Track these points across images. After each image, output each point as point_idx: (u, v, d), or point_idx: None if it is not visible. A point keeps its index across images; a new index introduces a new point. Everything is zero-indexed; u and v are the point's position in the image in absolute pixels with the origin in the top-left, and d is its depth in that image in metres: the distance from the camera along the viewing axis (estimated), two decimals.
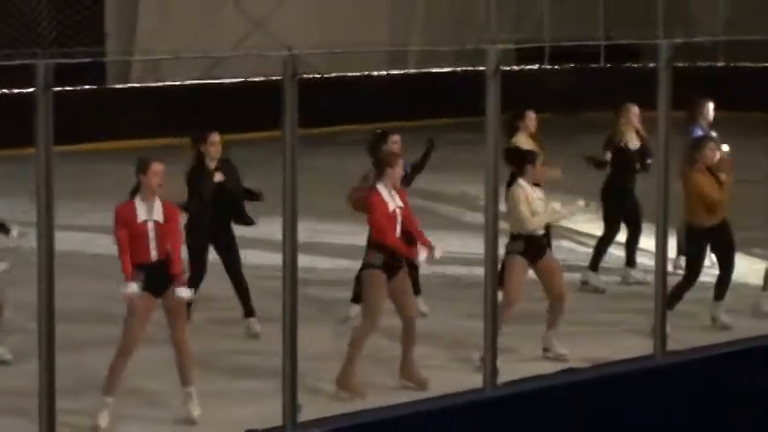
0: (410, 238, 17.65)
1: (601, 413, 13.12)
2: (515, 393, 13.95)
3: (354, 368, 16.68)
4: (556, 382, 14.35)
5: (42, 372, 10.64)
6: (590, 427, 13.13)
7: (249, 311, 19.68)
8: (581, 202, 18.88)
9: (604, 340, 18.83)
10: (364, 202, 17.45)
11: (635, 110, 22.66)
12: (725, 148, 20.50)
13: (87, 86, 36.09)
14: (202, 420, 15.75)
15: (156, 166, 16.17)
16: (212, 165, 19.75)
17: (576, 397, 13.48)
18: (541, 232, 18.31)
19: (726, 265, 19.28)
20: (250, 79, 34.45)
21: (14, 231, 17.87)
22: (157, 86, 39.19)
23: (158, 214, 16.00)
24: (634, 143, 22.50)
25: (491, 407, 13.40)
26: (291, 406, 11.59)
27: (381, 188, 16.80)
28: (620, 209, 22.69)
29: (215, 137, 19.71)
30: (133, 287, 15.73)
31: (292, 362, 11.19)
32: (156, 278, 16.06)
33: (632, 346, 17.03)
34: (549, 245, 19.46)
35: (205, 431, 15.59)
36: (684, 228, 20.13)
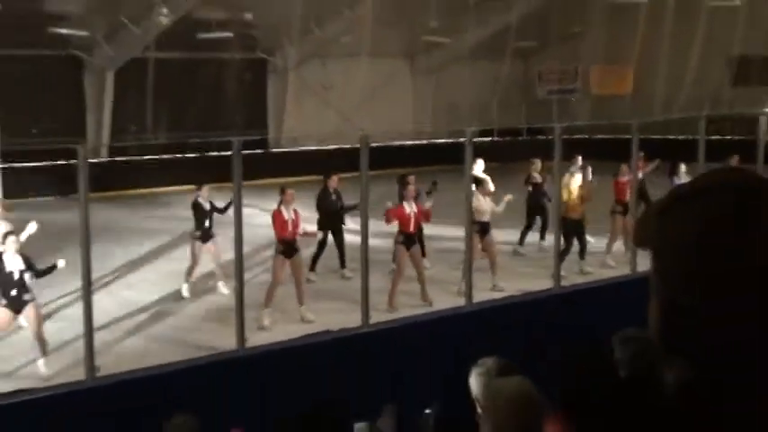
0: (421, 229, 21.14)
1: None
2: (488, 308, 17.04)
3: (394, 295, 19.81)
4: (498, 303, 17.25)
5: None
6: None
7: (344, 264, 22.42)
8: (508, 197, 21.76)
9: (521, 281, 20.80)
10: (395, 211, 20.15)
11: (537, 163, 25.58)
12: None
13: (252, 151, 34.50)
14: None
15: (289, 192, 19.20)
16: (332, 189, 22.68)
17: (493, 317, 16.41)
18: (486, 220, 21.02)
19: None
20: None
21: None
22: (295, 151, 40.50)
23: (293, 214, 19.16)
24: (537, 179, 25.40)
25: (471, 317, 16.24)
26: (366, 313, 15.25)
27: (405, 203, 20.34)
28: (534, 210, 25.29)
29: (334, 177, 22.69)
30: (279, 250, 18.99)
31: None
32: (289, 247, 19.15)
33: (534, 285, 19.31)
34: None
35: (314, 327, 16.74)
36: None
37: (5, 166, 31.26)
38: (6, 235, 16.19)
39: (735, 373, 1.86)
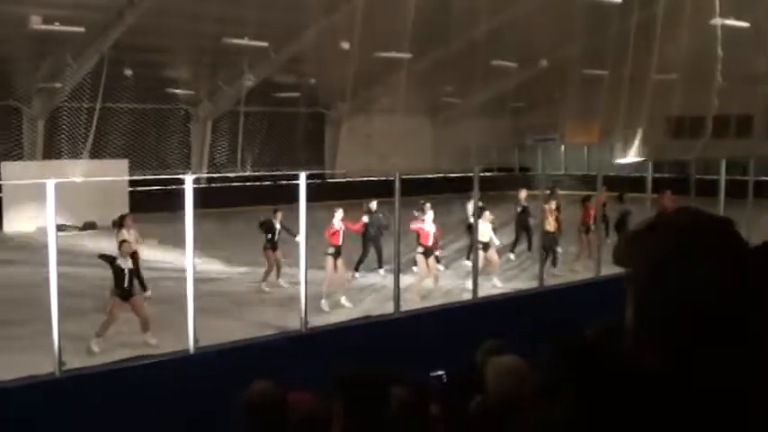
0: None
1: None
2: (489, 301, 17.49)
3: (418, 289, 19.64)
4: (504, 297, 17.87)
5: None
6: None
7: (380, 265, 22.32)
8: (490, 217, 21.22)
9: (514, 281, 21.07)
10: (419, 228, 20.36)
11: (524, 191, 25.29)
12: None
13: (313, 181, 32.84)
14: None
15: (339, 211, 19.43)
16: (372, 209, 22.25)
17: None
18: (486, 240, 20.68)
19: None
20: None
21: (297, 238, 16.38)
22: (344, 181, 38.85)
23: (341, 224, 19.47)
24: (524, 204, 24.86)
25: (477, 307, 16.65)
26: (398, 299, 15.80)
27: (426, 220, 20.47)
28: (521, 228, 25.05)
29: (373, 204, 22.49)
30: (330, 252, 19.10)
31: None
32: (338, 250, 19.26)
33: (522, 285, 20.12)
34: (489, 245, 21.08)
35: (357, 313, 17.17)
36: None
37: (133, 189, 31.52)
38: (122, 243, 16.63)
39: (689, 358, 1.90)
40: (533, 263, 21.81)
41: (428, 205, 21.59)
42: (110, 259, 16.13)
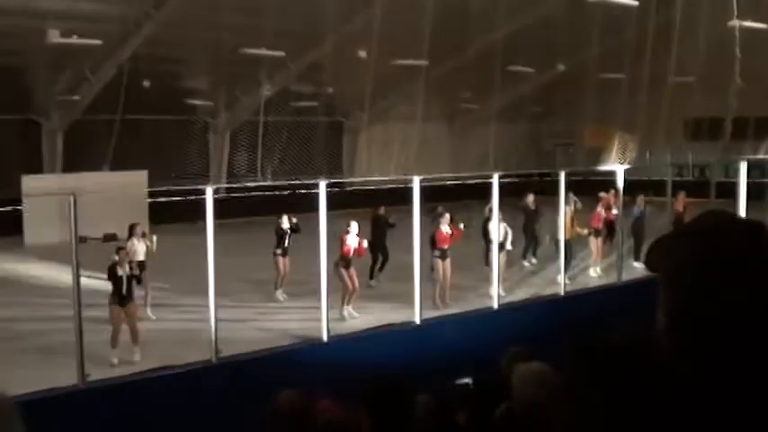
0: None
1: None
2: (510, 307, 17.58)
3: (437, 294, 19.58)
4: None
5: None
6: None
7: (381, 269, 22.43)
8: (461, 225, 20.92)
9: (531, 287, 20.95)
10: (439, 232, 20.17)
11: (531, 195, 24.75)
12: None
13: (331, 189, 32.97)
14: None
15: (353, 224, 19.36)
16: (378, 213, 22.78)
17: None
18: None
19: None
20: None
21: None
22: (363, 189, 37.67)
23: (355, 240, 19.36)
24: (531, 207, 24.46)
25: (497, 314, 17.01)
26: (419, 311, 16.19)
27: (441, 226, 20.22)
28: (528, 234, 24.76)
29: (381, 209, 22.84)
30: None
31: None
32: (348, 262, 19.13)
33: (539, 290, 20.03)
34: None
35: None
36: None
37: (152, 200, 31.81)
38: (119, 250, 16.62)
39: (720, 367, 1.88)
40: (540, 269, 22.28)
41: (440, 208, 21.60)
42: (109, 268, 16.21)
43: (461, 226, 20.56)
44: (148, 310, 18.12)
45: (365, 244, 20.12)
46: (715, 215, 2.05)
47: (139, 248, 19.04)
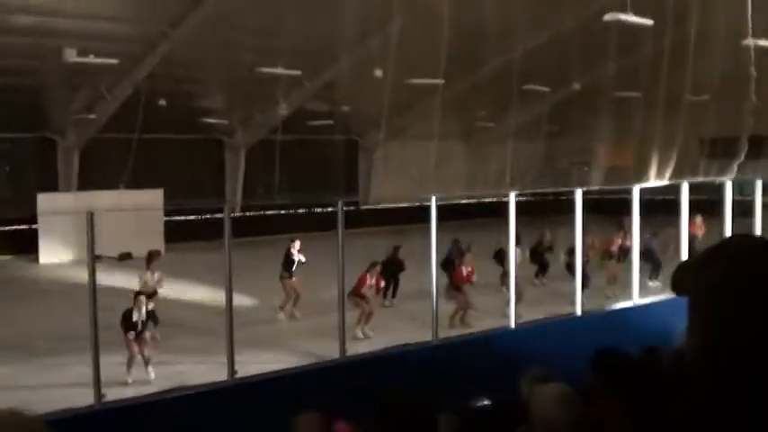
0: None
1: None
2: (527, 328, 17.34)
3: (455, 319, 20.08)
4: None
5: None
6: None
7: (394, 295, 22.82)
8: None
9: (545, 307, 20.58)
10: (459, 271, 20.90)
11: (548, 233, 25.84)
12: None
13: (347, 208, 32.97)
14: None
15: (376, 269, 20.06)
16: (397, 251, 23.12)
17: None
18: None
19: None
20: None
21: None
22: (378, 208, 40.23)
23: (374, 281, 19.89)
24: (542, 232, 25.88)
25: (515, 334, 16.72)
26: (436, 331, 17.27)
27: (462, 267, 20.96)
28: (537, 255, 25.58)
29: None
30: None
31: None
32: (362, 294, 19.49)
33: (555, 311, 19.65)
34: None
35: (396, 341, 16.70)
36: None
37: (168, 218, 31.95)
38: (137, 294, 16.76)
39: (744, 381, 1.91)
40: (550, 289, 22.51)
41: (462, 245, 22.58)
42: (124, 314, 16.42)
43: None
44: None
45: (382, 283, 20.64)
46: (744, 238, 2.04)
47: (151, 280, 19.09)
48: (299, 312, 20.98)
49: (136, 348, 16.07)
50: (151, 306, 16.72)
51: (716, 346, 1.99)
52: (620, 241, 23.90)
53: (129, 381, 15.65)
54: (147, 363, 16.15)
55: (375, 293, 20.18)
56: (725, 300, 1.98)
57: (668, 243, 23.34)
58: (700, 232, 25.08)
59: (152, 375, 16.00)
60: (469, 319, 20.22)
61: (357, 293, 19.23)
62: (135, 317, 16.14)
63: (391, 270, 22.48)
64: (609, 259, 23.78)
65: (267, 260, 22.85)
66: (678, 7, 28.56)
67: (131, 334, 16.01)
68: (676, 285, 2.07)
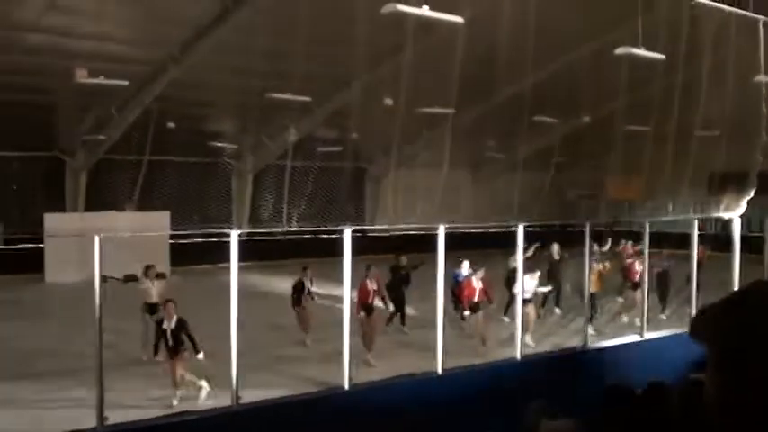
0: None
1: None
2: (533, 360, 17.36)
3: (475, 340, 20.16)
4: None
5: None
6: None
7: (403, 322, 22.42)
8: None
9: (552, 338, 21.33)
10: (468, 284, 20.57)
11: (555, 245, 25.92)
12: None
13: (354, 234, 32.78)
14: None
15: (375, 271, 19.75)
16: (404, 263, 23.10)
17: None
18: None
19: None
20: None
21: None
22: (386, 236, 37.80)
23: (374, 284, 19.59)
24: (556, 257, 25.60)
25: (521, 365, 17.08)
26: (442, 361, 17.12)
27: (473, 278, 20.65)
28: (553, 282, 24.90)
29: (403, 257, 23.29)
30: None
31: None
32: (369, 306, 19.20)
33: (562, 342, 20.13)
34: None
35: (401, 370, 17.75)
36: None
37: (174, 241, 31.98)
38: (167, 302, 16.25)
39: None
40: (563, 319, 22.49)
41: (466, 263, 22.33)
42: (157, 319, 16.45)
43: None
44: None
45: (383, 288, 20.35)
46: (761, 284, 2.07)
47: (153, 291, 19.32)
48: (309, 340, 20.75)
49: (168, 366, 15.84)
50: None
51: (731, 408, 2.04)
52: (638, 270, 23.49)
53: (175, 402, 15.30)
54: (177, 385, 15.64)
55: (378, 295, 19.79)
56: (746, 353, 2.03)
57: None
58: (704, 259, 25.54)
59: (176, 402, 15.42)
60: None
61: (362, 302, 19.00)
62: (165, 324, 15.80)
63: (398, 278, 22.37)
64: (634, 289, 23.71)
65: (274, 285, 22.64)
66: (690, 43, 28.68)
67: (162, 352, 15.85)
68: (696, 333, 2.13)
